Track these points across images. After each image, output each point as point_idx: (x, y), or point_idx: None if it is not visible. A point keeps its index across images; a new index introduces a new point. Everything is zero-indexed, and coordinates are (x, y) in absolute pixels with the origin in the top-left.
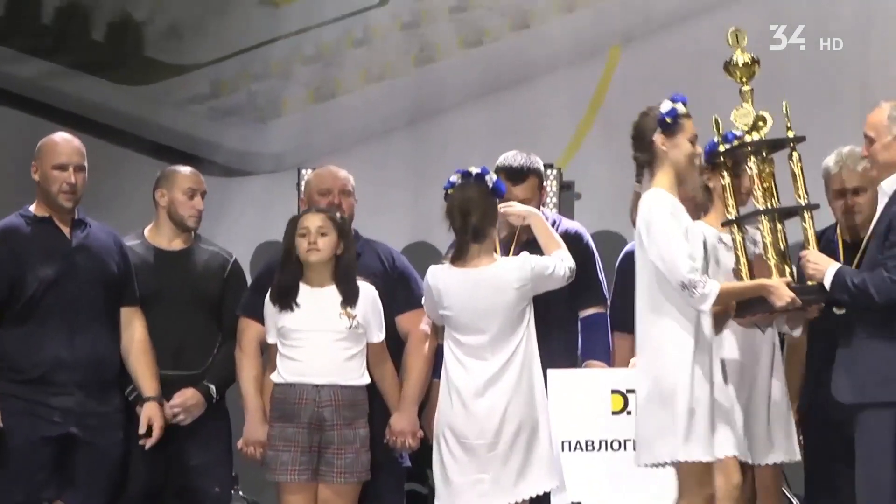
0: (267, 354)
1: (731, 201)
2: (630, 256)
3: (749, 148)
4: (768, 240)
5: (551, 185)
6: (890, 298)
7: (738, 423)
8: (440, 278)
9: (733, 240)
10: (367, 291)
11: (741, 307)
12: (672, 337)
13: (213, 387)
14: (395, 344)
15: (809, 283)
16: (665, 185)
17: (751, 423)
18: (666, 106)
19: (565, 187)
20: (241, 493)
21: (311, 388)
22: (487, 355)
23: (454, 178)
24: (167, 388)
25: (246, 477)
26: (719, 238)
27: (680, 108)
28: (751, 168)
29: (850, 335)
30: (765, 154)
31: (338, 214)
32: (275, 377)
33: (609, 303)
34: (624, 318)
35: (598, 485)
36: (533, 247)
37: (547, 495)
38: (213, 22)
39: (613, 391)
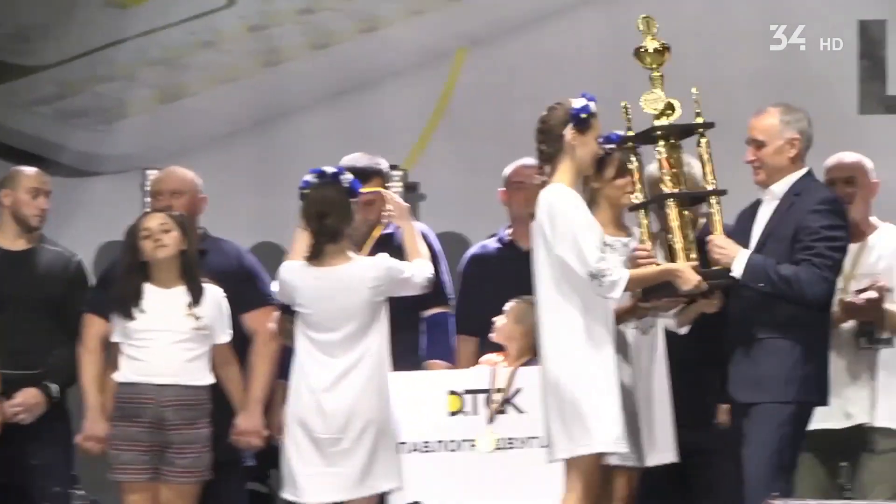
0: (111, 352)
1: (639, 185)
2: (474, 260)
3: (658, 133)
4: (675, 224)
5: (397, 187)
6: (820, 294)
7: (625, 422)
8: (295, 276)
9: (640, 223)
10: (214, 293)
11: (647, 292)
12: (579, 332)
13: (54, 386)
14: (241, 342)
15: (716, 268)
16: (566, 181)
17: (633, 425)
18: (580, 102)
19: (410, 188)
20: (81, 492)
21: (153, 387)
22: (339, 352)
23: (309, 177)
24: (9, 389)
25: (87, 476)
26: (604, 242)
27: (593, 106)
28: (659, 153)
29: (744, 335)
30: (674, 140)
31: (176, 212)
32: (118, 376)
33: (452, 304)
34: (467, 321)
35: (435, 486)
36: (386, 247)
37: (384, 495)
38: (59, 24)
39: (451, 392)
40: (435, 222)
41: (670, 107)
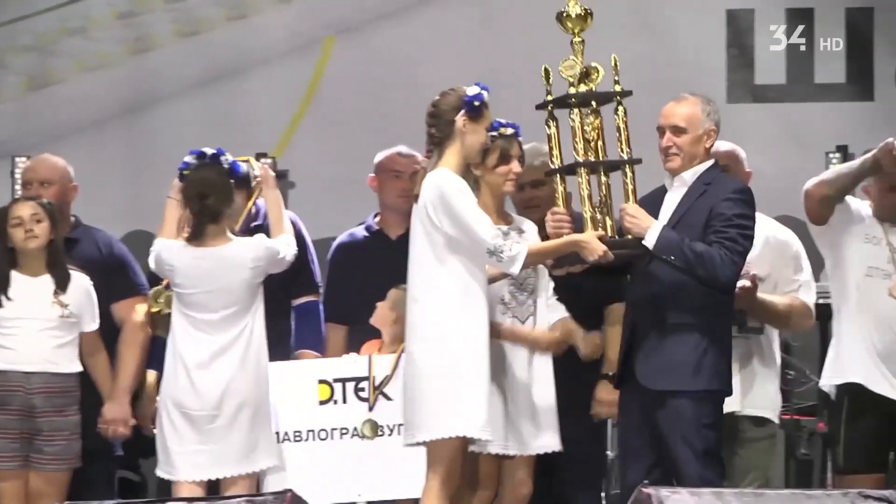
0: None
1: (555, 151)
2: (341, 248)
3: (572, 100)
4: (585, 193)
5: None
6: (730, 276)
7: (498, 410)
8: (174, 255)
9: (555, 189)
10: (80, 280)
11: (557, 260)
12: (453, 316)
13: None
14: (110, 331)
15: (629, 236)
16: (452, 166)
17: (514, 414)
18: (474, 90)
19: (280, 176)
20: None
21: (21, 375)
22: (216, 331)
23: (189, 158)
24: None
25: None
26: None
27: (486, 95)
28: (572, 120)
29: (653, 321)
30: (594, 106)
31: (46, 201)
32: None
33: (322, 292)
34: (335, 309)
35: (307, 475)
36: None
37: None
38: None
39: (320, 381)
40: (304, 209)
41: (595, 71)
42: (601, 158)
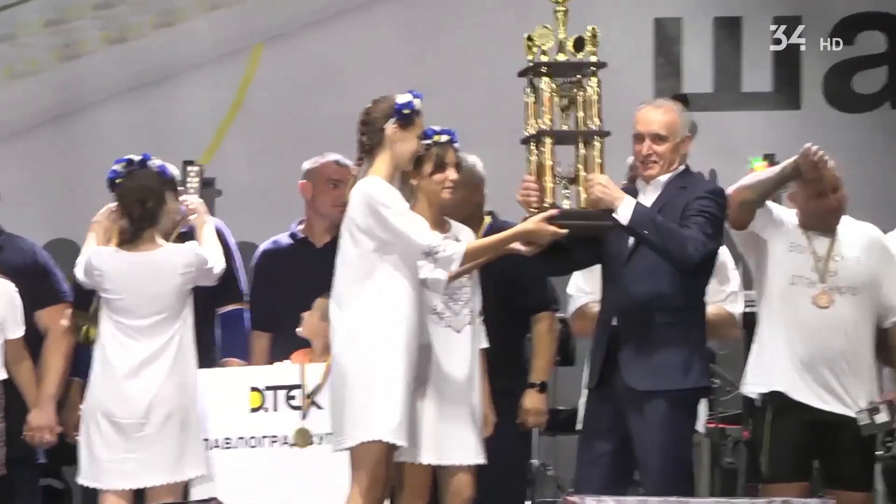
0: None
1: (532, 120)
2: (266, 255)
3: (544, 69)
4: (548, 164)
5: (193, 183)
6: (700, 255)
7: (430, 420)
8: (104, 261)
9: (528, 159)
10: (5, 287)
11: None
12: (379, 322)
13: None
14: (35, 339)
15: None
16: (382, 174)
17: (443, 425)
18: (405, 97)
19: (207, 184)
20: None
21: None
22: (145, 338)
23: (118, 167)
24: None
25: None
26: None
27: (417, 103)
28: (542, 90)
29: (637, 324)
30: (575, 77)
31: None
32: None
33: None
34: (260, 316)
35: (236, 482)
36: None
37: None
38: None
39: (252, 388)
40: (231, 217)
41: (589, 39)
42: (580, 129)
